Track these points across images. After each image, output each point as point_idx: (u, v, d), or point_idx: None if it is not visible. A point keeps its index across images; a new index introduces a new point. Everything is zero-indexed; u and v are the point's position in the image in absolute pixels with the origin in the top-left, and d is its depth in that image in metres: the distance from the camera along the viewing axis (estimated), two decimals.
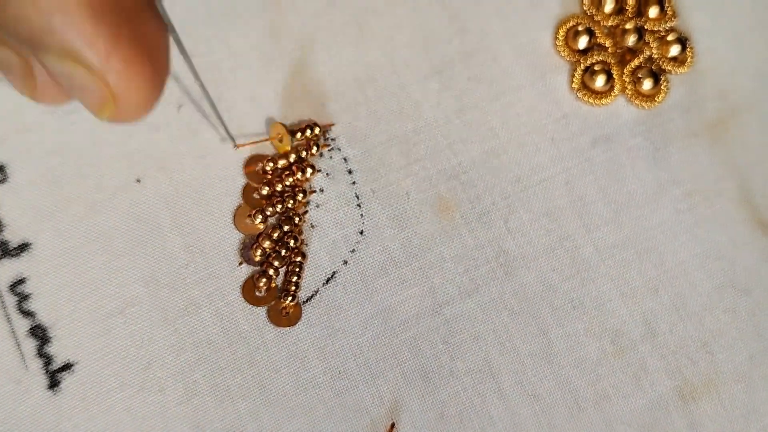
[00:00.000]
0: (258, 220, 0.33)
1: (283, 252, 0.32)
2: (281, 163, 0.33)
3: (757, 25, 0.38)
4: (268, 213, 0.33)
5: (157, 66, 0.23)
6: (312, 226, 0.33)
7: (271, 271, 0.32)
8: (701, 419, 0.34)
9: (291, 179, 0.33)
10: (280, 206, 0.33)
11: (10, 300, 0.31)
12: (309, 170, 0.33)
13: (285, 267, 0.33)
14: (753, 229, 0.36)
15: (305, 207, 0.33)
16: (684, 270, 0.35)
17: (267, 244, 0.32)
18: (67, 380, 0.31)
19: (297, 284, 0.32)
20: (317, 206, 0.34)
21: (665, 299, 0.35)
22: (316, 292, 0.33)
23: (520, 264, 0.34)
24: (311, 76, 0.35)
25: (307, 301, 0.33)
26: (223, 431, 0.31)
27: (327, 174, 0.34)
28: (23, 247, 0.32)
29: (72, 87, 0.23)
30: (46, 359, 0.31)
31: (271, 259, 0.32)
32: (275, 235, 0.32)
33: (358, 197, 0.34)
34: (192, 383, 0.31)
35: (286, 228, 0.33)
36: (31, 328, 0.31)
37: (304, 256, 0.33)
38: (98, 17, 0.21)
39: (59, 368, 0.31)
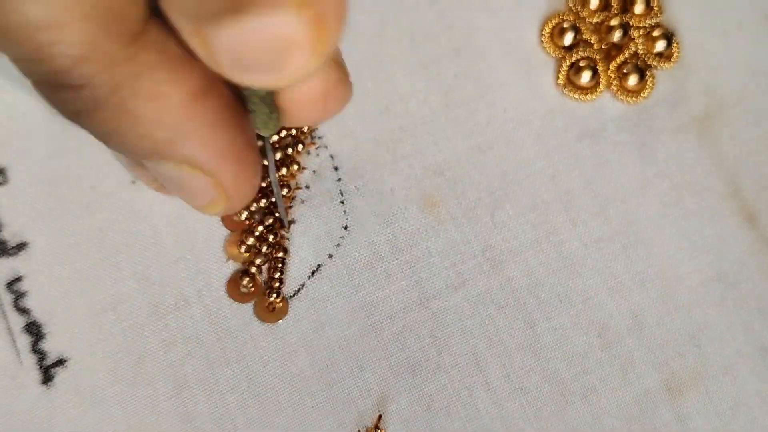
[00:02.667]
0: (243, 216, 0.33)
1: (264, 248, 0.33)
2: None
3: (743, 21, 0.38)
4: (253, 209, 0.33)
5: (256, 154, 0.25)
6: (293, 221, 0.34)
7: (253, 269, 0.33)
8: (689, 412, 0.34)
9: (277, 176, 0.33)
10: (264, 201, 0.33)
11: (7, 297, 0.32)
12: (294, 167, 0.34)
13: (267, 263, 0.33)
14: (740, 222, 0.36)
15: (290, 203, 0.34)
16: (671, 263, 0.35)
17: (251, 240, 0.33)
18: (60, 375, 0.32)
19: (281, 280, 0.33)
20: (302, 202, 0.34)
21: (652, 292, 0.35)
22: (303, 285, 0.33)
23: (507, 258, 0.34)
24: None
25: (293, 295, 0.33)
26: (212, 424, 0.32)
27: (313, 171, 0.34)
28: (21, 247, 0.33)
29: (183, 190, 0.25)
30: (40, 355, 0.32)
31: (251, 257, 0.33)
32: (258, 230, 0.33)
33: (342, 194, 0.34)
34: (182, 377, 0.32)
35: (267, 223, 0.33)
36: (26, 325, 0.32)
37: (285, 251, 0.33)
38: (215, 125, 0.23)
39: (53, 363, 0.32)
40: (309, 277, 0.33)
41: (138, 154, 0.24)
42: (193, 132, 0.23)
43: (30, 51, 0.20)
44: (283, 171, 0.33)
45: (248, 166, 0.25)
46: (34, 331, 0.32)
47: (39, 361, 0.32)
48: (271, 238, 0.33)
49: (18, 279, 0.32)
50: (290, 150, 0.34)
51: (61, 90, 0.22)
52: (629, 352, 0.34)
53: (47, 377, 0.31)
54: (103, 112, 0.22)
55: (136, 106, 0.22)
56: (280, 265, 0.33)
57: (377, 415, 0.32)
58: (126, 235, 0.33)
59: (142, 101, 0.22)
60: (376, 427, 0.32)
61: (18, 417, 0.31)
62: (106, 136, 0.24)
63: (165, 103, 0.22)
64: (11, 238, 0.33)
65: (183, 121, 0.22)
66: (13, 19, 0.19)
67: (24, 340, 0.32)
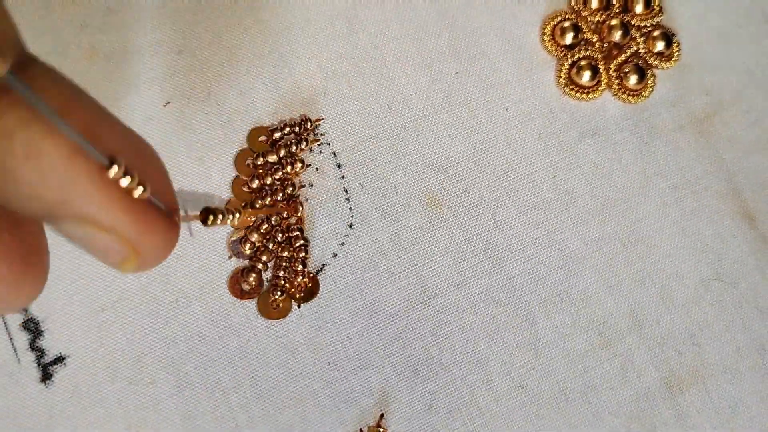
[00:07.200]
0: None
1: (271, 246, 0.33)
2: (271, 158, 0.33)
3: (742, 21, 0.38)
4: (257, 206, 0.33)
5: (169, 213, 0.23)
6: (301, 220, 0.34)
7: (259, 266, 0.33)
8: (688, 410, 0.34)
9: (280, 173, 0.33)
10: (269, 199, 0.33)
11: None
12: (298, 165, 0.33)
13: (273, 261, 0.33)
14: (739, 222, 0.36)
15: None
16: (671, 262, 0.35)
17: (255, 237, 0.33)
18: (59, 373, 0.31)
19: (285, 278, 0.33)
20: (306, 200, 0.34)
21: (652, 291, 0.35)
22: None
23: (508, 256, 0.34)
24: (301, 70, 0.35)
25: None
26: (214, 422, 0.31)
27: (317, 168, 0.34)
28: None
29: (92, 248, 0.23)
30: (39, 352, 0.31)
31: (258, 253, 0.33)
32: (263, 228, 0.33)
33: (346, 191, 0.34)
34: (183, 375, 0.32)
35: (274, 221, 0.33)
36: (23, 322, 0.31)
37: (297, 249, 0.33)
38: (108, 182, 0.21)
39: (51, 361, 0.31)
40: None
41: (34, 216, 0.22)
42: (82, 189, 0.21)
43: None
44: (288, 169, 0.33)
45: (153, 219, 0.22)
46: (32, 327, 0.31)
47: (37, 358, 0.31)
48: (279, 236, 0.33)
49: None
50: (294, 147, 0.33)
51: None
52: (629, 351, 0.34)
53: (46, 375, 0.31)
54: None
55: (15, 167, 0.20)
56: (284, 264, 0.33)
57: (379, 413, 0.32)
58: None
59: (19, 161, 0.20)
60: (378, 425, 0.32)
61: (16, 416, 0.31)
62: None
63: (45, 161, 0.20)
64: None
65: (69, 178, 0.21)
66: None
67: (22, 338, 0.31)
